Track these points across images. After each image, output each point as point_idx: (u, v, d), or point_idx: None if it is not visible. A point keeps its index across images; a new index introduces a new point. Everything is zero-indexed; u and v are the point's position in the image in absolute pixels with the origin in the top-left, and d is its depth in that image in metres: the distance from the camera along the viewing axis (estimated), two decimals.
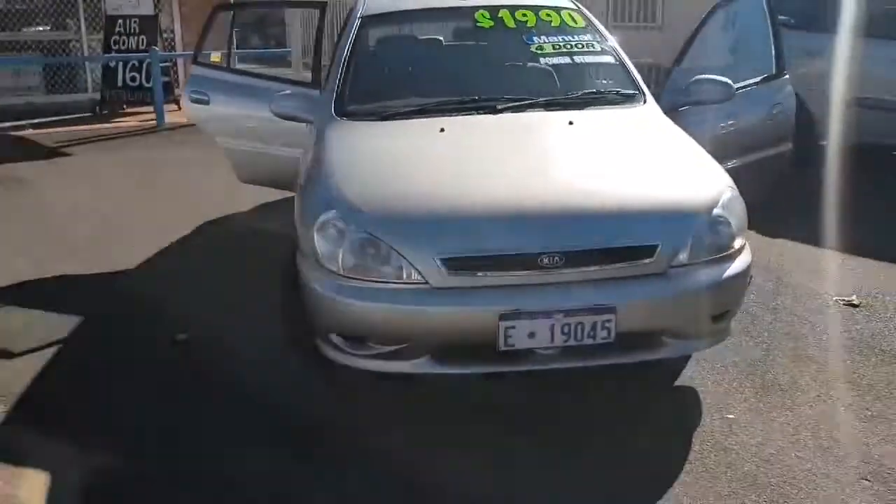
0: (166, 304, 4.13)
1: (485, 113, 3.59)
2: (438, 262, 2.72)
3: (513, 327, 2.71)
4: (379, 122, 3.60)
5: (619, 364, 2.94)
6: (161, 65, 9.75)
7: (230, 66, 5.21)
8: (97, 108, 10.37)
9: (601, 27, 4.23)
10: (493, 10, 4.13)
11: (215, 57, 5.86)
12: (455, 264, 2.73)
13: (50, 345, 3.67)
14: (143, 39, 10.11)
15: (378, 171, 3.17)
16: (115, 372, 3.46)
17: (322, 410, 3.08)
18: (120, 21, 10.33)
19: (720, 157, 4.07)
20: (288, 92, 4.03)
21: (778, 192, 5.76)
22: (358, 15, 4.24)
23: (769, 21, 4.58)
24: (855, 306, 4.00)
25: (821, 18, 7.29)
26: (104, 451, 2.83)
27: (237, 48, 12.74)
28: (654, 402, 3.19)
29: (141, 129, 9.60)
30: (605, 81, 3.96)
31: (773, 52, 4.57)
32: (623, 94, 3.83)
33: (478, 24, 4.09)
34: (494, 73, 3.96)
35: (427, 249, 2.75)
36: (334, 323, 2.89)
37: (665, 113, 3.85)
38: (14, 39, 10.94)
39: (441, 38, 4.44)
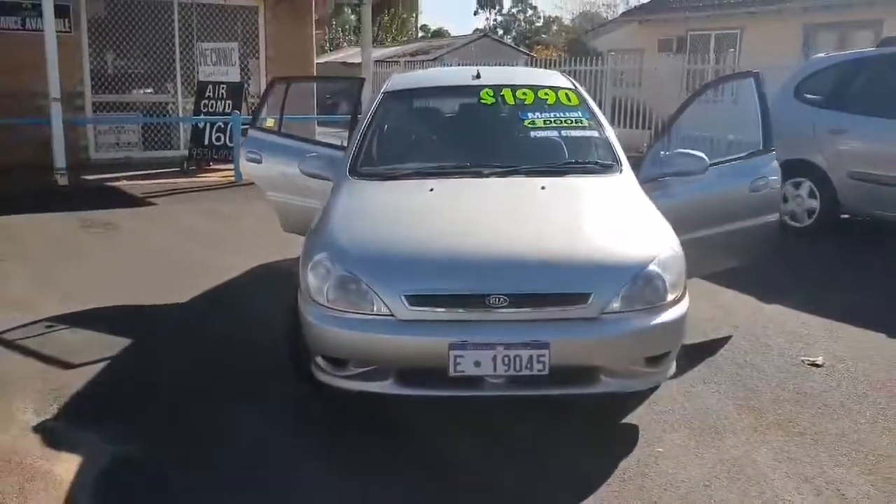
0: (199, 328, 4.85)
1: (473, 177, 4.16)
2: (403, 298, 3.26)
3: (461, 356, 3.20)
4: (382, 182, 4.21)
5: (560, 396, 3.39)
6: (242, 126, 10.76)
7: (280, 130, 5.94)
8: (185, 163, 11.49)
9: (593, 105, 4.75)
10: (497, 88, 4.73)
11: (270, 122, 6.66)
12: (416, 300, 3.26)
13: (101, 360, 4.36)
14: (229, 104, 11.20)
15: (367, 222, 3.77)
16: (147, 380, 4.12)
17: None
18: (210, 87, 11.49)
19: (699, 223, 4.54)
20: (314, 154, 4.72)
21: (785, 261, 6.09)
22: (382, 90, 4.92)
23: (758, 100, 4.98)
24: (818, 366, 4.30)
25: (846, 99, 7.63)
26: (126, 439, 3.45)
27: (317, 114, 13.86)
28: (596, 430, 3.59)
29: (220, 183, 10.60)
30: (587, 153, 4.46)
31: (762, 129, 4.96)
32: (601, 164, 4.33)
33: (481, 101, 4.69)
34: (489, 143, 4.54)
35: (394, 287, 3.30)
36: (319, 347, 3.46)
37: (645, 182, 4.34)
38: (120, 101, 12.25)
39: (446, 112, 5.06)
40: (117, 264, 6.49)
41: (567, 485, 3.12)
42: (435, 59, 21.61)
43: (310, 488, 3.13)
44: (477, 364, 3.21)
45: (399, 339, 3.27)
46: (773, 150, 4.92)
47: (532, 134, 4.51)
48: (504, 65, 15.77)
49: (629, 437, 3.49)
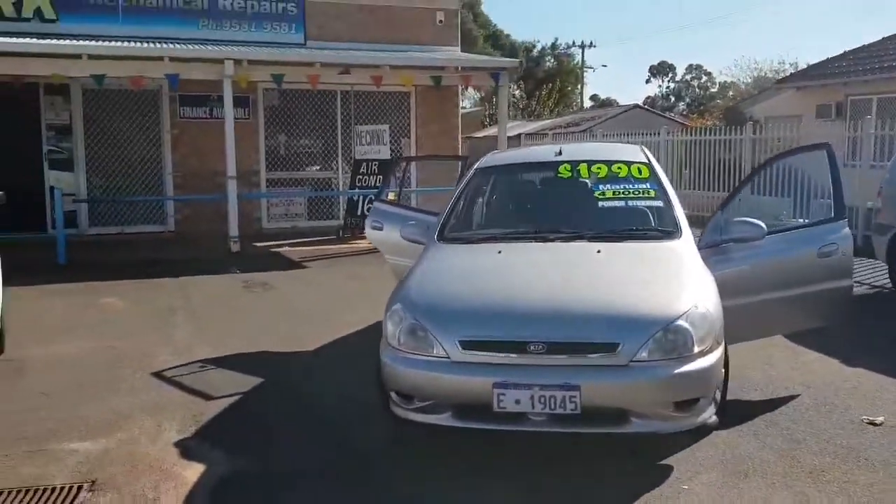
0: (319, 371, 5.66)
1: (540, 241, 4.75)
2: (457, 343, 3.89)
3: (503, 394, 3.76)
4: (461, 245, 4.90)
5: (594, 434, 3.85)
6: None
7: (399, 201, 6.80)
8: (340, 231, 12.78)
9: (662, 177, 5.19)
10: (575, 163, 5.32)
11: (392, 195, 7.57)
12: (467, 345, 3.88)
13: (235, 394, 5.26)
14: (380, 178, 12.41)
15: (438, 278, 4.46)
16: (266, 411, 4.96)
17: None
18: (364, 164, 12.80)
19: (764, 286, 4.83)
20: (413, 222, 5.50)
21: (884, 325, 6.10)
22: (475, 166, 5.65)
23: (830, 171, 5.21)
24: (876, 425, 4.42)
25: None
26: (243, 455, 4.27)
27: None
28: (633, 466, 3.97)
29: (366, 249, 11.68)
30: (649, 220, 4.92)
31: (833, 198, 5.18)
32: (661, 231, 4.78)
33: (559, 175, 5.29)
34: (560, 212, 5.12)
35: (451, 334, 3.93)
36: (392, 384, 4.14)
37: (706, 248, 4.73)
38: (290, 177, 13.85)
39: (527, 185, 5.67)
40: (265, 318, 7.56)
41: (596, 492, 3.63)
42: (584, 130, 22.24)
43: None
44: (517, 402, 3.75)
45: (452, 378, 3.89)
46: (844, 219, 5.11)
47: (600, 204, 5.04)
48: (649, 134, 16.17)
49: (662, 474, 3.85)
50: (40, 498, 3.77)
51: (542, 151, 6.16)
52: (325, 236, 12.73)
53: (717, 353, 3.92)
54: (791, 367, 5.45)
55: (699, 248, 4.71)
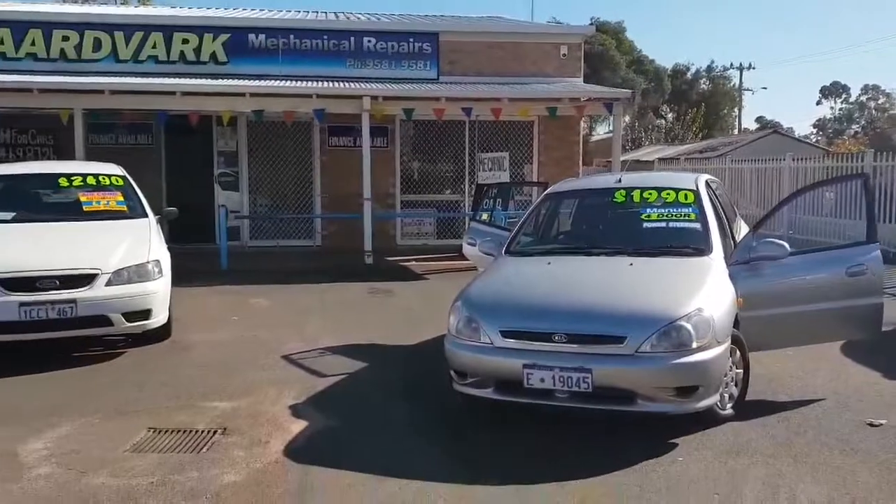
0: (415, 360, 6.79)
1: (585, 255, 5.64)
2: (498, 333, 4.89)
3: (531, 373, 4.71)
4: (522, 257, 5.88)
5: (608, 410, 4.71)
6: (511, 219, 12.92)
7: (491, 222, 7.85)
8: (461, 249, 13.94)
9: (706, 203, 5.87)
10: (629, 189, 6.15)
11: (486, 216, 8.61)
12: (506, 334, 4.86)
13: (342, 374, 6.48)
14: (499, 201, 13.46)
15: (493, 282, 5.49)
16: (364, 388, 6.13)
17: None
18: (485, 188, 13.90)
19: (793, 300, 5.45)
20: (489, 237, 6.53)
21: None
22: (545, 192, 6.61)
23: (864, 199, 5.75)
24: (875, 426, 4.94)
25: None
26: (337, 416, 5.44)
27: None
28: (644, 439, 4.74)
29: None
30: (684, 239, 5.66)
31: (866, 223, 5.71)
32: (693, 248, 5.53)
33: (614, 200, 6.15)
34: (609, 231, 6.00)
35: (494, 325, 4.93)
36: (451, 364, 5.18)
37: (735, 264, 5.43)
38: (422, 199, 15.23)
39: (585, 208, 6.54)
40: (381, 318, 8.82)
41: (603, 459, 4.47)
42: (720, 155, 22.29)
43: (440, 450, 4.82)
44: (542, 380, 4.70)
45: (493, 360, 4.89)
46: (875, 242, 5.63)
47: (645, 224, 5.86)
48: (774, 160, 16.28)
49: (665, 449, 4.62)
50: (188, 436, 5.10)
51: (604, 179, 7.02)
52: (450, 253, 13.93)
53: (717, 350, 4.67)
54: (830, 377, 5.98)
55: (730, 265, 5.42)
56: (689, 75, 49.07)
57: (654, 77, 40.02)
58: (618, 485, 4.19)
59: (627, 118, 37.31)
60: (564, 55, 15.01)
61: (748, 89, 52.23)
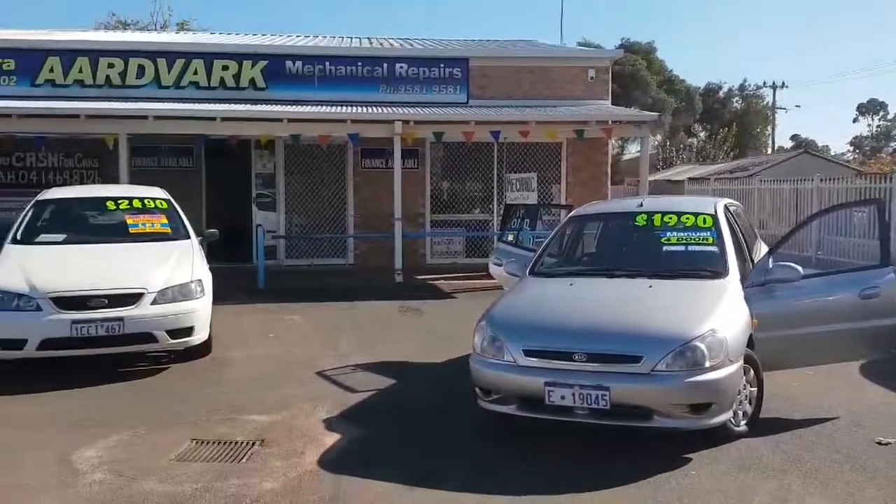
0: (442, 378, 7.07)
1: (606, 277, 5.89)
2: (521, 352, 5.15)
3: (552, 391, 4.97)
4: (545, 278, 6.14)
5: (625, 426, 4.95)
6: (538, 239, 13.18)
7: (517, 243, 8.13)
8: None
9: (723, 227, 6.09)
10: (651, 213, 6.39)
11: (512, 236, 8.88)
12: (529, 353, 5.13)
13: (372, 390, 6.78)
14: (527, 221, 13.73)
15: (517, 303, 5.76)
16: (392, 403, 6.42)
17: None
18: (513, 209, 14.17)
19: (808, 320, 5.64)
20: (513, 258, 6.81)
21: None
22: (569, 215, 6.88)
23: (878, 223, 5.93)
24: (883, 445, 5.11)
25: None
26: (370, 428, 5.74)
27: None
28: (658, 453, 4.96)
29: None
30: (701, 262, 5.89)
31: (880, 247, 5.89)
32: (710, 271, 5.76)
33: (635, 223, 6.40)
34: (629, 253, 6.25)
35: (517, 344, 5.20)
36: (476, 381, 5.46)
37: (751, 287, 5.63)
38: (451, 219, 15.56)
39: (607, 231, 6.79)
40: (411, 336, 9.13)
41: (619, 472, 4.69)
42: (750, 175, 22.33)
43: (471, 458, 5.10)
44: (562, 397, 4.95)
45: (516, 377, 5.16)
46: (889, 266, 5.81)
47: (664, 248, 6.10)
48: (801, 181, 16.36)
49: (680, 463, 4.85)
50: (228, 447, 5.43)
51: (627, 203, 7.27)
52: (479, 272, 14.19)
53: (730, 369, 4.89)
54: (846, 397, 6.15)
55: (746, 287, 5.63)
56: (721, 94, 48.99)
57: (685, 96, 40.08)
58: (632, 496, 4.42)
59: (659, 138, 37.39)
60: (592, 78, 15.30)
61: (782, 108, 52.02)
